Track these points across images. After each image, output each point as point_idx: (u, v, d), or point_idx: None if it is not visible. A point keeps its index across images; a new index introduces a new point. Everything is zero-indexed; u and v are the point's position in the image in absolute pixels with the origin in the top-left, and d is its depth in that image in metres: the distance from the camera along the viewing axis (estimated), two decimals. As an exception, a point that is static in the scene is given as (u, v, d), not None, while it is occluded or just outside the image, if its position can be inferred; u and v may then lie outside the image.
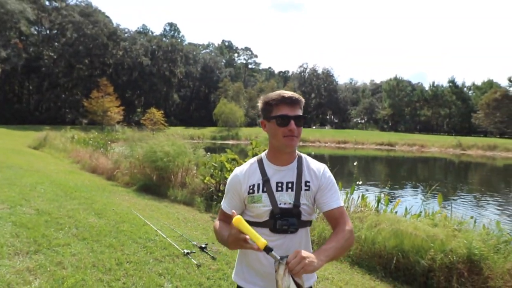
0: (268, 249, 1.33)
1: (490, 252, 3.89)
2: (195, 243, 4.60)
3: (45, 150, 19.30)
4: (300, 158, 1.63)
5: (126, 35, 66.81)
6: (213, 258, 4.17)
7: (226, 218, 1.64)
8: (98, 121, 43.45)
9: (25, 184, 7.33)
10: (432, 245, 4.13)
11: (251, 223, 1.56)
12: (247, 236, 1.34)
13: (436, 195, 6.52)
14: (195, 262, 3.98)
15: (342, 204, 1.58)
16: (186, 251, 4.21)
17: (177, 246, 4.38)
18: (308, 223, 1.61)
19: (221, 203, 1.69)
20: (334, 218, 1.55)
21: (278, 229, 1.53)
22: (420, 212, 5.61)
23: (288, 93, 1.54)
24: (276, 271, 1.29)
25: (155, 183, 8.99)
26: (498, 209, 11.18)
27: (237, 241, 1.37)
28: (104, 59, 59.39)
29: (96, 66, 59.80)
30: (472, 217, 5.26)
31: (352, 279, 4.07)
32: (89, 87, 51.46)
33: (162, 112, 45.99)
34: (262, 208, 1.55)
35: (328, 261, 1.39)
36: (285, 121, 1.50)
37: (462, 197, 13.33)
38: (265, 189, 1.56)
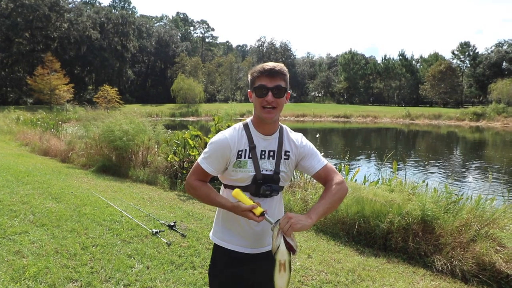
0: (263, 215, 1.52)
1: (441, 212, 4.23)
2: (163, 221, 4.54)
3: (-13, 133, 17.76)
4: (281, 128, 1.72)
5: (70, 5, 61.59)
6: (183, 236, 4.16)
7: (205, 178, 1.68)
8: (45, 100, 40.52)
9: (-32, 170, 6.74)
10: (390, 209, 4.41)
11: (231, 187, 1.65)
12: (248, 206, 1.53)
13: (390, 163, 6.91)
14: (165, 240, 3.95)
15: (326, 162, 1.70)
16: (154, 230, 4.16)
17: (144, 226, 4.30)
18: (281, 188, 1.73)
19: (200, 163, 1.65)
20: (322, 177, 1.68)
21: (261, 194, 1.63)
22: (378, 179, 5.93)
23: (269, 65, 1.56)
24: (272, 233, 1.47)
25: (114, 164, 8.65)
26: (443, 172, 12.17)
27: (240, 211, 1.54)
28: (47, 33, 54.67)
29: (38, 40, 54.95)
30: (424, 181, 5.66)
31: (318, 246, 4.26)
32: (33, 63, 47.49)
33: (116, 89, 43.68)
34: (247, 173, 1.61)
35: (321, 217, 1.55)
36: (262, 92, 1.55)
37: (412, 163, 14.31)
38: (250, 156, 1.62)
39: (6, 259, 3.29)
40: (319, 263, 3.72)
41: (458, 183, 9.92)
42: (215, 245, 1.76)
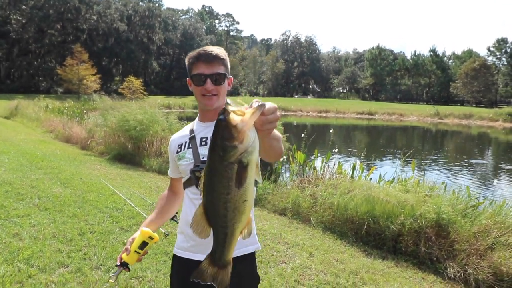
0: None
1: (458, 216, 3.93)
2: (165, 212, 4.47)
3: (16, 120, 18.56)
4: None
5: (99, -2, 63.09)
6: (183, 227, 4.07)
7: (174, 184, 1.68)
8: (74, 90, 41.72)
9: (-12, 154, 6.96)
10: (402, 210, 4.15)
11: (185, 185, 1.52)
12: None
13: (416, 163, 6.59)
14: (163, 230, 3.83)
15: None
16: (154, 220, 4.09)
17: (145, 215, 4.21)
18: None
19: None
20: None
21: (199, 183, 1.42)
22: (393, 178, 5.63)
23: (206, 49, 1.45)
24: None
25: (130, 152, 8.74)
26: (470, 175, 11.55)
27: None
28: (77, 24, 56.29)
29: (69, 31, 56.69)
30: (443, 183, 5.32)
31: (323, 245, 4.07)
32: (63, 54, 49.02)
33: (141, 80, 44.43)
34: (188, 163, 1.49)
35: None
36: (200, 80, 1.44)
37: (437, 164, 13.68)
38: (190, 145, 1.51)
39: (3, 241, 3.30)
40: (320, 263, 3.53)
41: (484, 186, 9.37)
42: (173, 255, 1.60)
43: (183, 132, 1.60)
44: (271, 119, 0.99)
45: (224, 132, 0.92)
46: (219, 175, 0.95)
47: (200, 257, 1.37)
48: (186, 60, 1.50)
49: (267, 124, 0.99)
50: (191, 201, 1.49)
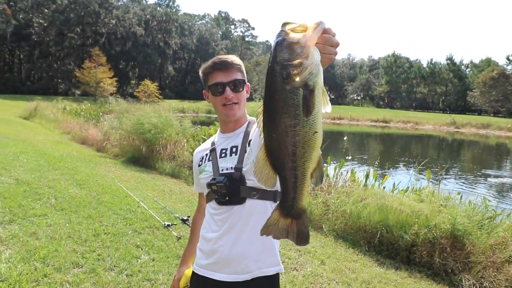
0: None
1: (474, 228, 3.84)
2: (178, 215, 4.51)
3: (35, 121, 19.02)
4: (250, 122, 1.47)
5: (118, 3, 64.54)
6: (194, 231, 4.09)
7: (200, 199, 1.64)
8: (91, 92, 42.66)
9: (8, 153, 7.14)
10: (416, 220, 4.08)
11: (206, 199, 1.47)
12: None
13: (432, 172, 6.47)
14: (176, 234, 3.90)
15: None
16: (167, 223, 4.13)
17: (158, 218, 4.29)
18: (264, 193, 1.32)
19: None
20: None
21: (218, 198, 1.34)
22: (408, 187, 5.55)
23: (221, 57, 1.40)
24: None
25: (144, 155, 8.85)
26: (487, 186, 11.26)
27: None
28: (96, 28, 57.68)
29: (88, 35, 58.12)
30: (459, 193, 5.21)
31: (334, 253, 4.03)
32: (82, 57, 50.26)
33: (157, 84, 45.18)
34: (205, 177, 1.42)
35: None
36: (219, 89, 1.37)
37: (453, 174, 13.39)
38: (210, 158, 1.45)
39: (21, 240, 3.39)
40: (332, 271, 3.50)
41: (501, 198, 9.12)
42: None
43: (205, 145, 1.55)
44: (334, 41, 0.89)
45: (285, 53, 0.81)
46: (283, 104, 0.83)
47: (219, 276, 1.34)
48: (201, 72, 1.44)
49: (329, 46, 0.89)
50: (211, 216, 1.41)
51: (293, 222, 0.98)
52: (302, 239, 0.99)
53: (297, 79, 0.81)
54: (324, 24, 0.85)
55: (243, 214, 1.33)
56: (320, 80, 0.84)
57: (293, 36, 0.82)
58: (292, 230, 0.98)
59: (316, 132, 0.85)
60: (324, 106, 0.86)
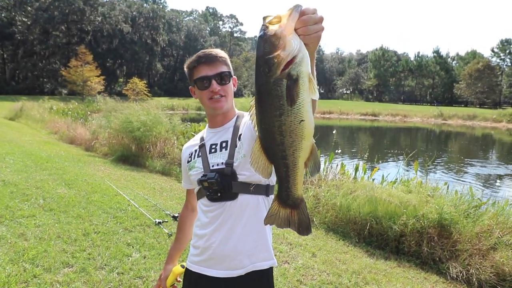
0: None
1: (460, 217, 3.92)
2: (169, 212, 4.50)
3: (21, 121, 18.69)
4: (239, 116, 1.45)
5: (104, 0, 63.53)
6: (186, 227, 4.09)
7: (188, 196, 1.62)
8: (78, 91, 41.99)
9: (-6, 155, 7.02)
10: (404, 211, 4.15)
11: (197, 196, 1.46)
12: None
13: (420, 163, 6.58)
14: (167, 231, 3.90)
15: None
16: (157, 220, 4.12)
17: (149, 216, 4.28)
18: (255, 188, 1.31)
19: None
20: None
21: (210, 195, 1.33)
22: (396, 179, 5.63)
23: (205, 51, 1.38)
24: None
25: (133, 154, 8.78)
26: (474, 176, 11.49)
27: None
28: (82, 26, 56.71)
29: (73, 33, 57.12)
30: (446, 183, 5.31)
31: (325, 245, 4.08)
32: (68, 55, 49.45)
33: (145, 82, 44.66)
34: (198, 172, 1.40)
35: None
36: (205, 82, 1.35)
37: (441, 165, 13.62)
38: (199, 154, 1.43)
39: (9, 241, 3.34)
40: (323, 263, 3.54)
41: (487, 187, 9.33)
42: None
43: (194, 141, 1.53)
44: (315, 18, 0.85)
45: (265, 46, 0.82)
46: (269, 97, 0.85)
47: (212, 272, 1.33)
48: (186, 67, 1.42)
49: (311, 26, 0.85)
50: (203, 213, 1.39)
51: (292, 211, 0.99)
52: (303, 228, 1.01)
53: (278, 72, 0.82)
54: (299, 7, 0.84)
55: (235, 209, 1.32)
56: (304, 68, 0.84)
57: (271, 28, 0.82)
58: (293, 219, 0.99)
59: (302, 120, 0.86)
60: (312, 93, 0.86)
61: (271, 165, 0.95)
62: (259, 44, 0.85)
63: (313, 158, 0.93)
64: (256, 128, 0.94)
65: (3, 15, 51.24)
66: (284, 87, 0.83)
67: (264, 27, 0.84)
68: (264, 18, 0.86)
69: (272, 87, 0.84)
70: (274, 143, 0.89)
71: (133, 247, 3.47)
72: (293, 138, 0.87)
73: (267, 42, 0.82)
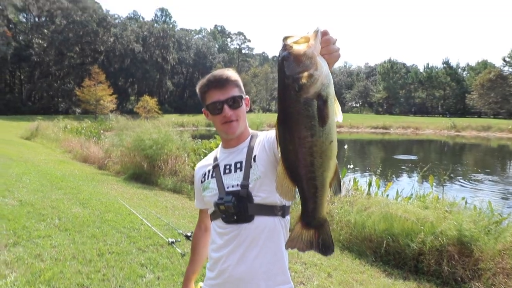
0: None
1: (480, 233, 3.80)
2: (181, 231, 4.49)
3: (37, 140, 19.10)
4: (253, 136, 1.43)
5: (116, 21, 65.57)
6: (199, 247, 4.06)
7: (201, 215, 1.62)
8: (91, 110, 42.90)
9: (11, 174, 7.16)
10: (422, 227, 4.05)
11: (211, 217, 1.43)
12: None
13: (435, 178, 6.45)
14: (180, 251, 3.88)
15: None
16: (170, 240, 4.11)
17: (162, 235, 4.27)
18: (271, 209, 1.29)
19: None
20: None
21: (226, 218, 1.31)
22: (411, 194, 5.52)
23: (215, 74, 1.36)
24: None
25: (145, 172, 8.85)
26: (492, 189, 11.19)
27: None
28: (95, 47, 58.36)
29: (87, 53, 58.79)
30: (463, 198, 5.17)
31: (341, 265, 3.99)
32: (81, 75, 50.72)
33: (156, 99, 45.46)
34: (213, 193, 1.37)
35: None
36: (217, 108, 1.34)
37: (456, 178, 13.32)
38: (213, 175, 1.40)
39: (26, 262, 3.37)
40: (339, 284, 3.46)
41: (507, 201, 9.06)
42: None
43: (207, 161, 1.51)
44: (334, 39, 0.92)
45: (294, 66, 0.82)
46: (298, 116, 0.84)
47: None
48: (198, 90, 1.41)
49: (332, 45, 0.91)
50: (218, 235, 1.36)
51: (316, 232, 0.98)
52: (326, 248, 1.00)
53: (311, 90, 0.82)
54: (319, 29, 0.87)
55: (251, 232, 1.29)
56: (331, 90, 0.86)
57: (298, 48, 0.83)
58: (316, 240, 0.99)
59: (331, 141, 0.87)
60: (336, 115, 0.88)
61: (295, 187, 0.94)
62: (286, 63, 0.84)
63: (336, 178, 0.93)
64: (279, 149, 0.93)
65: (20, 38, 53.14)
66: (315, 107, 0.83)
67: (289, 47, 0.84)
68: (286, 38, 0.85)
69: (302, 107, 0.83)
70: (303, 164, 0.88)
71: (146, 268, 3.45)
72: (323, 159, 0.87)
73: (297, 61, 0.82)
